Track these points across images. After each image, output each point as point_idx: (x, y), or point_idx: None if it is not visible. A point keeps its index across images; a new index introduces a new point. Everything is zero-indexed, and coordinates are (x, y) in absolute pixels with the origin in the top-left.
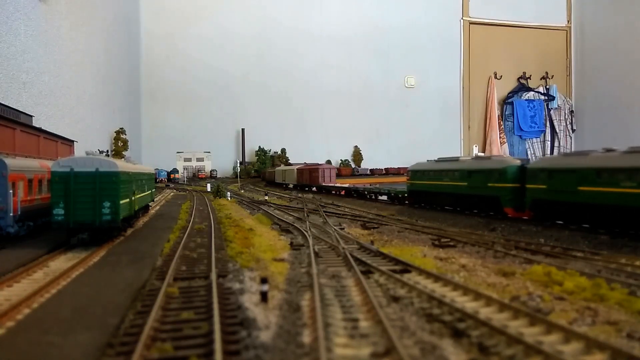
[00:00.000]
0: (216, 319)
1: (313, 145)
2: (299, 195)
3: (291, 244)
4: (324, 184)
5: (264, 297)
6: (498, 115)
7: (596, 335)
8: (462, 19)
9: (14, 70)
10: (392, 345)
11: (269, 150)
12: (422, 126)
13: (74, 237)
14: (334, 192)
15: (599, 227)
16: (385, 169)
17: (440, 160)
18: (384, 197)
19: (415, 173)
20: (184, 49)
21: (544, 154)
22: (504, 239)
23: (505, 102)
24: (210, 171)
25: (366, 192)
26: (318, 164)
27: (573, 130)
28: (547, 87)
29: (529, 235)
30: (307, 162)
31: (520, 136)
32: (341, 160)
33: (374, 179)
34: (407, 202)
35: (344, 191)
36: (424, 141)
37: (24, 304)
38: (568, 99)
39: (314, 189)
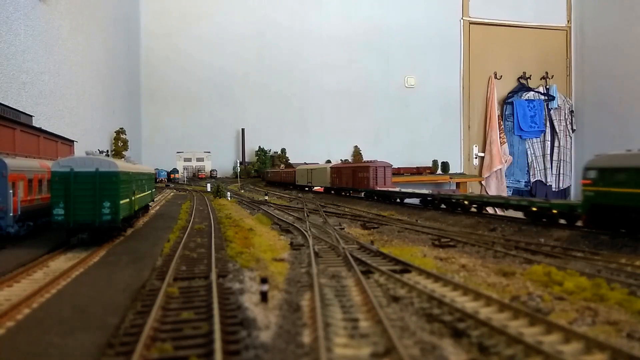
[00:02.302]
0: (216, 319)
1: (313, 145)
2: (299, 195)
3: (291, 244)
4: (377, 189)
5: (264, 297)
6: (498, 115)
7: (596, 335)
8: (462, 19)
9: (14, 70)
10: (392, 345)
11: (269, 150)
12: (422, 126)
13: (74, 237)
14: (398, 200)
15: None
16: None
17: None
18: (498, 211)
19: (609, 174)
20: (184, 49)
21: (544, 154)
22: (504, 239)
23: (505, 102)
24: (210, 171)
25: (469, 203)
26: (368, 161)
27: (573, 130)
28: (547, 87)
29: (529, 235)
30: (347, 160)
31: (520, 136)
32: (341, 160)
33: None
34: (559, 220)
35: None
36: (424, 141)
37: (24, 304)
38: (568, 99)
39: (361, 194)
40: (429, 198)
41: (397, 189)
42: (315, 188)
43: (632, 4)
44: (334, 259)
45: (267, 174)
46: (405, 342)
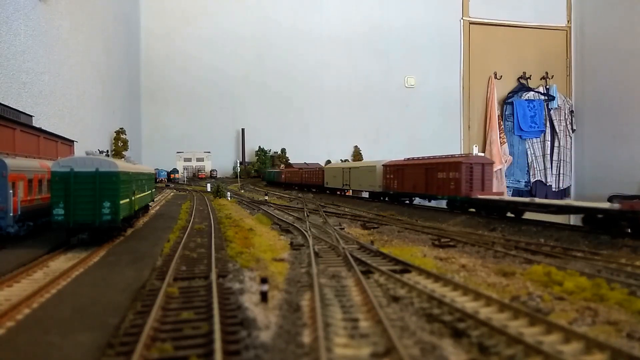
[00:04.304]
0: (216, 319)
1: (313, 145)
2: (300, 195)
3: (291, 244)
4: (478, 197)
5: (264, 297)
6: (498, 115)
7: (596, 335)
8: (462, 19)
9: (14, 70)
10: (392, 345)
11: (269, 150)
12: (422, 126)
13: (74, 237)
14: (510, 214)
15: None
16: None
17: None
18: None
19: None
20: (184, 49)
21: (544, 154)
22: (504, 239)
23: (505, 102)
24: (210, 171)
25: None
26: (455, 156)
27: (573, 130)
28: (547, 87)
29: (529, 235)
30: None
31: (520, 136)
32: (341, 160)
33: None
34: None
35: None
36: (424, 141)
37: (24, 304)
38: (568, 99)
39: (430, 202)
40: (600, 216)
41: (512, 198)
42: (349, 191)
43: (632, 4)
44: (334, 259)
45: (278, 174)
46: (405, 342)
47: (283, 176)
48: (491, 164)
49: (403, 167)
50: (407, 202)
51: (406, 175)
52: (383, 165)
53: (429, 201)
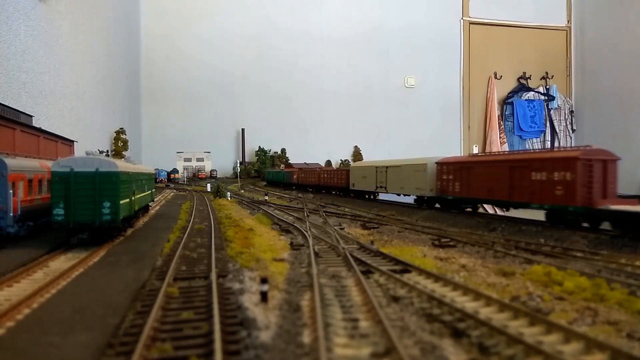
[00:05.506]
0: (216, 319)
1: (313, 145)
2: (299, 195)
3: (291, 244)
4: (612, 207)
5: (264, 297)
6: (498, 115)
7: (596, 335)
8: (462, 19)
9: (14, 70)
10: (392, 345)
11: (269, 150)
12: (422, 126)
13: (74, 237)
14: None
15: None
16: None
17: None
18: None
19: None
20: (184, 49)
21: None
22: (504, 239)
23: (505, 102)
24: (210, 171)
25: None
26: (564, 150)
27: (573, 130)
28: (547, 87)
29: (529, 235)
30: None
31: (520, 136)
32: (341, 160)
33: None
34: None
35: None
36: (424, 141)
37: (24, 304)
38: (568, 99)
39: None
40: None
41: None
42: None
43: (632, 4)
44: (334, 259)
45: (289, 174)
46: (405, 342)
47: (295, 176)
48: (615, 160)
49: (470, 166)
50: (470, 209)
51: (475, 175)
52: (437, 162)
53: (506, 210)
